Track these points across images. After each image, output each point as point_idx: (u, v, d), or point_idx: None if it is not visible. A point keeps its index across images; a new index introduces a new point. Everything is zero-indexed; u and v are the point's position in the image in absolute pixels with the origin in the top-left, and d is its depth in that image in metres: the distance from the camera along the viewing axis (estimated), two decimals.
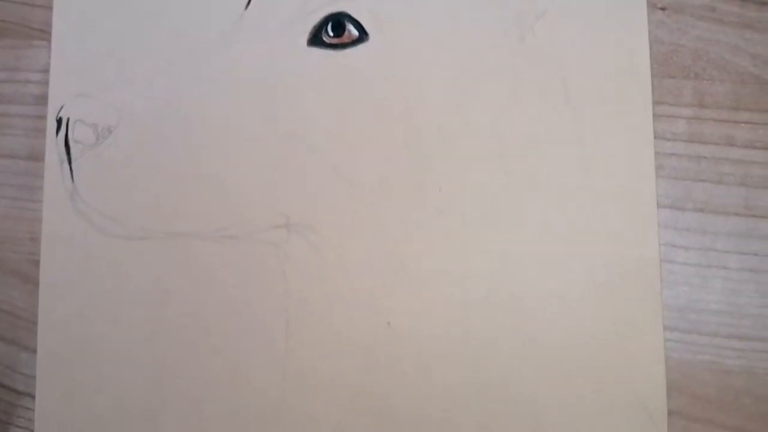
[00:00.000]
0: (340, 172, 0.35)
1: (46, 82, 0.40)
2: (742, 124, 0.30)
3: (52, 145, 0.39)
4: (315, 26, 0.36)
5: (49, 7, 0.40)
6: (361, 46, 0.36)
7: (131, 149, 0.38)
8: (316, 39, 0.36)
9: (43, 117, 0.39)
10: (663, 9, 0.31)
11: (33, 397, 0.37)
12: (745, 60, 0.30)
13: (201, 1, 0.38)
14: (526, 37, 0.34)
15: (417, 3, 0.35)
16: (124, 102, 0.38)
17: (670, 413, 0.30)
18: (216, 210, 0.36)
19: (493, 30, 0.34)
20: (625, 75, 0.32)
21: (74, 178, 0.38)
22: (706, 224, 0.30)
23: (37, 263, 0.38)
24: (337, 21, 0.36)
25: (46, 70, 0.40)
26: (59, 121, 0.39)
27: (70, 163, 0.38)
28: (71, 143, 0.38)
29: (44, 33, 0.40)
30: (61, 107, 0.39)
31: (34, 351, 0.38)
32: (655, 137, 0.31)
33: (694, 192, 0.31)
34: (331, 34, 0.36)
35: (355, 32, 0.36)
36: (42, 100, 0.40)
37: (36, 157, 0.40)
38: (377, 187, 0.35)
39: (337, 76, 0.36)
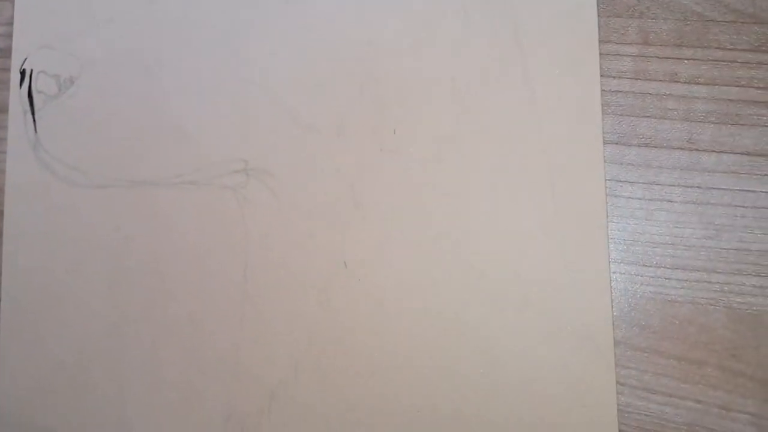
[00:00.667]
0: (297, 117, 0.36)
1: (10, 35, 0.40)
2: (685, 61, 0.31)
3: (16, 97, 0.39)
4: None
5: None
6: None
7: (93, 99, 0.38)
8: None
9: (6, 69, 0.40)
10: None
11: None
12: None
13: None
14: None
15: None
16: (85, 53, 0.39)
17: (616, 343, 0.31)
18: (176, 157, 0.37)
19: None
20: (572, 15, 0.32)
21: (37, 128, 0.39)
22: (650, 159, 0.31)
23: (0, 214, 0.39)
24: None
25: (9, 23, 0.40)
26: (23, 73, 0.39)
27: (33, 114, 0.39)
28: (34, 94, 0.39)
29: None
30: (25, 59, 0.39)
31: None
32: (601, 75, 0.31)
33: (638, 128, 0.31)
34: None
35: None
36: (6, 52, 0.40)
37: (0, 108, 0.40)
38: (333, 132, 0.35)
39: (294, 22, 0.36)
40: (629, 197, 0.31)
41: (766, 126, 0.30)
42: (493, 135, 0.33)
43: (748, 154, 0.30)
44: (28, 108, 0.39)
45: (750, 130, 0.30)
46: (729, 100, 0.30)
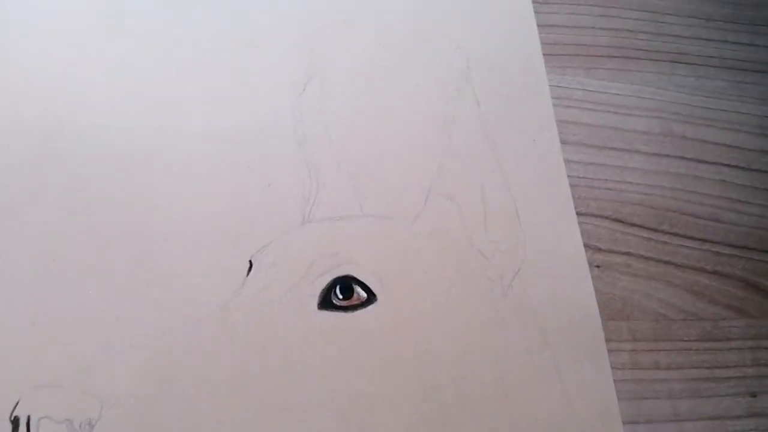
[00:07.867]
0: None
1: None
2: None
3: None
4: (323, 290, 0.37)
5: None
6: (371, 307, 0.38)
7: None
8: (326, 302, 0.37)
9: None
10: None
11: None
12: None
13: (198, 273, 0.36)
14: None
15: (416, 266, 0.39)
16: (105, 388, 0.34)
17: None
18: None
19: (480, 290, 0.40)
20: None
21: None
22: None
23: None
24: (345, 284, 0.37)
25: None
26: (15, 422, 0.32)
27: None
28: None
29: None
30: (16, 403, 0.32)
31: None
32: None
33: None
34: (341, 296, 0.37)
35: (363, 294, 0.38)
36: None
37: None
38: None
39: (351, 337, 0.37)
40: None
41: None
42: None
43: None
44: None
45: None
46: None
